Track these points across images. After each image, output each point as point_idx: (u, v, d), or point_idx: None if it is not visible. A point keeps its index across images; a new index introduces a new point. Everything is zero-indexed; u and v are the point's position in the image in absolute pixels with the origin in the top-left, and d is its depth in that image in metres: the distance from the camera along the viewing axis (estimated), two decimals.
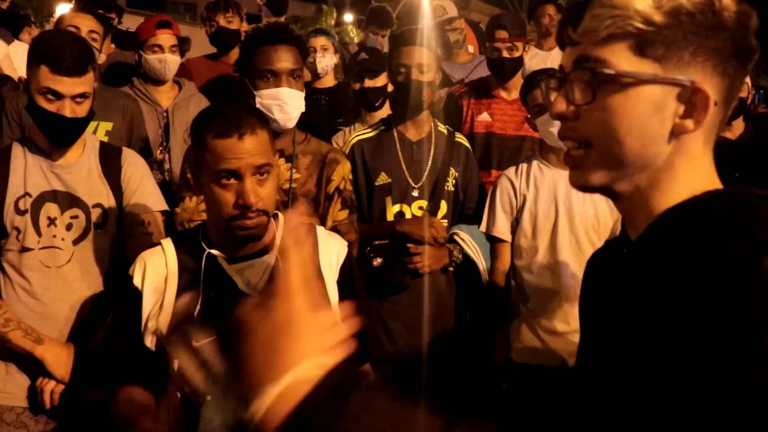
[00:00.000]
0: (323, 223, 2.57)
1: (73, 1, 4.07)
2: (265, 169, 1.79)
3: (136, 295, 1.85)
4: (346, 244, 2.07)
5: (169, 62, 3.54)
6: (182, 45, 3.61)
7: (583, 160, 1.04)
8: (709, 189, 1.01)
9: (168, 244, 1.90)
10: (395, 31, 3.50)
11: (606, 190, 1.06)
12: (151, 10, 14.93)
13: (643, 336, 0.95)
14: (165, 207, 2.60)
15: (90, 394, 2.00)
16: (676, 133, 1.00)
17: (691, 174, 1.02)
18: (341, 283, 1.98)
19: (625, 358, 0.99)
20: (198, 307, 1.78)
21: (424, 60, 2.99)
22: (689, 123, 0.99)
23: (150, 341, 1.83)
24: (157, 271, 1.85)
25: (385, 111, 3.58)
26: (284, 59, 2.51)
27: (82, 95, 2.34)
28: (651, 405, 0.91)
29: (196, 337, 1.74)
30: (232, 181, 1.76)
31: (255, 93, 2.53)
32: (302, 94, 2.56)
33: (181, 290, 1.82)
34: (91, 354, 2.37)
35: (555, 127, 2.89)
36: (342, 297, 1.96)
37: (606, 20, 0.99)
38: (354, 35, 17.14)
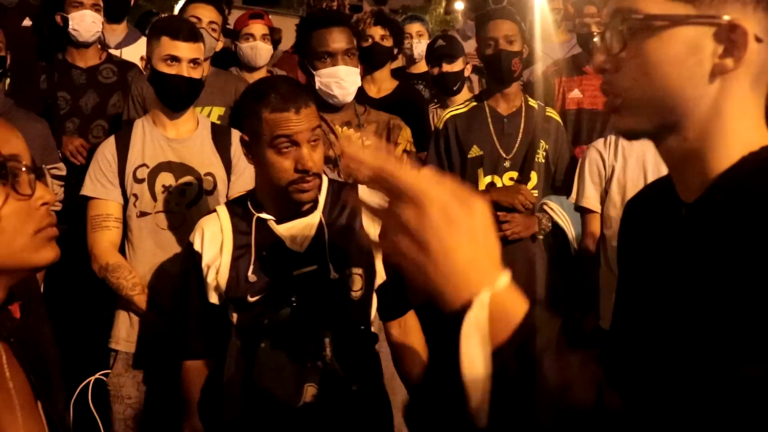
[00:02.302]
0: None
1: None
2: (316, 134, 1.95)
3: (198, 258, 2.05)
4: (387, 200, 2.19)
5: (260, 49, 3.84)
6: (273, 34, 3.90)
7: (623, 105, 1.01)
8: (765, 142, 0.97)
9: (222, 210, 2.09)
10: (481, 12, 3.63)
11: (650, 136, 1.03)
12: (267, 6, 15.44)
13: (708, 303, 0.92)
14: None
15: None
16: (716, 73, 0.95)
17: (741, 121, 0.97)
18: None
19: (686, 323, 0.96)
20: (251, 266, 1.98)
21: (510, 32, 3.14)
22: (729, 62, 0.94)
23: (214, 297, 2.04)
24: (214, 235, 2.04)
25: (463, 95, 3.71)
26: (338, 40, 2.72)
27: (196, 61, 2.67)
28: (711, 366, 0.88)
29: (252, 293, 1.97)
30: (290, 148, 1.91)
31: (314, 73, 2.75)
32: (357, 71, 2.76)
33: (236, 251, 2.01)
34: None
35: None
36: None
37: None
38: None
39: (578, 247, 3.21)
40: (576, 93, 3.88)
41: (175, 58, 2.63)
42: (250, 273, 1.98)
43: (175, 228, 2.68)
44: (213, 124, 2.90)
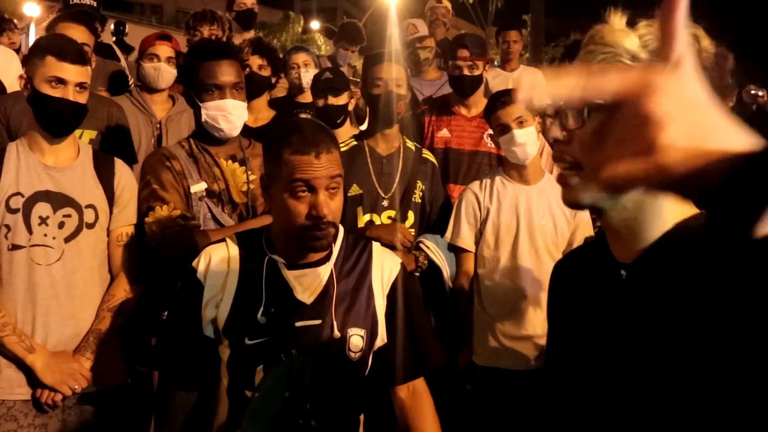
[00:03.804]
0: None
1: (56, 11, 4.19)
2: (336, 182, 1.89)
3: (198, 286, 1.96)
4: (400, 261, 2.15)
5: (163, 71, 3.77)
6: (179, 59, 3.81)
7: (574, 180, 1.12)
8: (692, 212, 1.11)
9: (232, 242, 2.02)
10: (370, 52, 3.70)
11: (594, 209, 1.18)
12: (119, 12, 14.91)
13: (646, 353, 1.05)
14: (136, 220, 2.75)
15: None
16: None
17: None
18: (391, 297, 2.06)
19: (647, 371, 1.07)
20: (261, 308, 1.89)
21: (399, 76, 3.25)
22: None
23: (209, 330, 1.95)
24: (219, 266, 1.97)
25: (346, 129, 3.78)
26: (227, 73, 2.70)
27: (82, 85, 2.56)
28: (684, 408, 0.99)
29: (251, 335, 1.89)
30: (306, 193, 1.86)
31: (201, 105, 2.71)
32: (245, 105, 2.76)
33: (240, 287, 1.94)
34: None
35: (517, 146, 3.11)
36: (391, 311, 2.06)
37: (598, 56, 1.12)
38: (321, 43, 17.17)
39: (453, 284, 3.32)
40: (444, 132, 4.02)
41: (60, 81, 2.52)
42: (259, 315, 1.89)
43: (50, 263, 2.54)
44: (95, 152, 2.77)
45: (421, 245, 3.33)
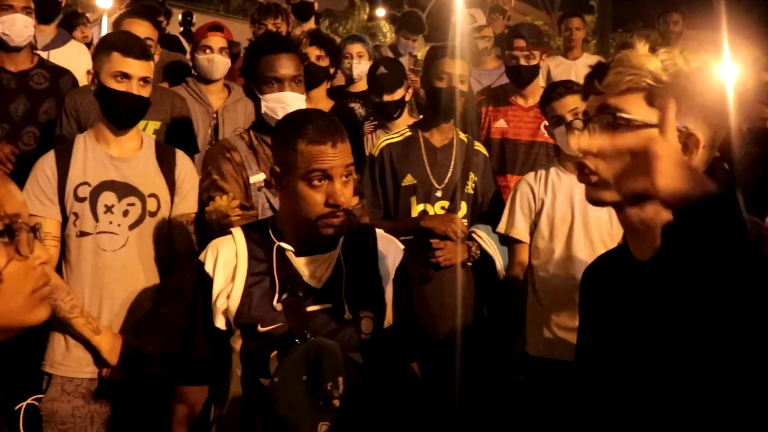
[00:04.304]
0: None
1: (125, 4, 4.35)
2: (349, 170, 1.95)
3: (207, 280, 2.01)
4: (402, 248, 2.22)
5: (216, 62, 3.83)
6: (232, 48, 3.90)
7: (599, 182, 1.30)
8: None
9: (238, 233, 2.06)
10: (432, 41, 3.72)
11: (615, 205, 1.30)
12: (187, 2, 15.20)
13: (662, 341, 1.19)
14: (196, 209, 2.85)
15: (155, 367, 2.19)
16: None
17: None
18: (396, 283, 2.13)
19: (645, 355, 1.23)
20: (275, 295, 1.96)
21: (464, 72, 3.30)
22: (685, 158, 1.21)
23: (221, 322, 2.00)
24: (228, 258, 2.01)
25: (404, 119, 3.82)
26: (287, 66, 2.75)
27: (146, 79, 2.67)
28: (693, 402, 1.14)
29: (263, 323, 1.95)
30: (323, 181, 1.91)
31: (261, 97, 2.78)
32: (303, 97, 2.80)
33: (249, 277, 1.99)
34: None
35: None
36: (397, 296, 2.13)
37: (626, 76, 1.27)
38: (387, 30, 17.16)
39: (506, 275, 3.33)
40: (501, 123, 4.03)
41: (125, 75, 2.63)
42: (274, 302, 1.95)
43: (116, 250, 2.66)
44: (157, 144, 2.89)
45: (474, 235, 3.36)
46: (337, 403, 1.87)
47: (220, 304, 1.99)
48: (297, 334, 1.93)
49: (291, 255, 2.02)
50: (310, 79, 3.82)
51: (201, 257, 2.06)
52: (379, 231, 2.19)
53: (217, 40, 3.87)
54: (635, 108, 1.25)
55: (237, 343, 2.01)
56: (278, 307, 1.97)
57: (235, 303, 1.98)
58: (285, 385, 1.86)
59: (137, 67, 2.64)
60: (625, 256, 1.36)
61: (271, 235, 2.04)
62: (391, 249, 2.17)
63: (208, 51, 3.84)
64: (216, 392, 2.11)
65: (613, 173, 1.23)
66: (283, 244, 2.01)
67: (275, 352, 1.95)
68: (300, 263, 2.02)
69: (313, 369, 1.88)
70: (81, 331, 2.60)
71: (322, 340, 1.92)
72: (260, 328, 1.96)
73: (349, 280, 2.03)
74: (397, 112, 3.82)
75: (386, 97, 3.77)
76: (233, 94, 3.92)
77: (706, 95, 1.26)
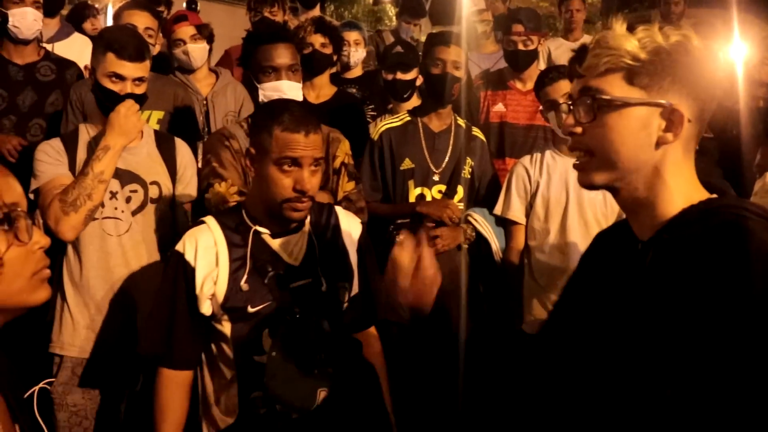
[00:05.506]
0: (335, 195, 2.90)
1: None
2: (319, 162, 2.09)
3: (189, 269, 2.08)
4: (360, 221, 2.39)
5: (191, 51, 3.83)
6: (202, 31, 3.88)
7: (588, 165, 1.32)
8: (702, 197, 1.29)
9: (212, 222, 2.15)
10: (434, 24, 3.75)
11: (608, 188, 1.34)
12: None
13: (661, 330, 1.20)
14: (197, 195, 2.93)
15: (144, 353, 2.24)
16: (659, 143, 1.27)
17: (677, 179, 1.29)
18: (360, 253, 2.31)
19: (632, 333, 1.25)
20: (245, 277, 2.06)
21: (459, 58, 3.35)
22: (669, 136, 1.26)
23: (206, 308, 2.09)
24: (207, 246, 2.10)
25: (412, 102, 3.87)
26: (283, 56, 2.83)
27: (141, 79, 2.73)
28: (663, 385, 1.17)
29: (253, 303, 2.06)
30: (293, 168, 2.04)
31: (258, 86, 2.86)
32: (299, 86, 2.87)
33: (232, 263, 2.08)
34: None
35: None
36: (361, 265, 2.30)
37: (604, 58, 1.28)
38: (392, 14, 17.05)
39: (503, 257, 3.41)
40: (500, 107, 4.08)
41: (119, 77, 2.68)
42: (243, 282, 2.06)
43: (120, 234, 2.76)
44: (156, 133, 2.98)
45: (469, 218, 3.44)
46: (331, 370, 2.01)
47: (207, 290, 2.08)
48: (285, 311, 2.04)
49: (267, 237, 2.14)
50: (314, 66, 3.89)
51: (179, 247, 2.13)
52: (338, 208, 2.34)
53: (185, 30, 3.86)
54: (616, 88, 1.28)
55: (226, 327, 2.10)
56: (265, 287, 2.07)
57: (222, 288, 2.07)
58: (281, 359, 1.97)
59: (131, 69, 2.69)
60: (628, 232, 1.39)
61: (247, 220, 2.15)
62: (352, 224, 2.33)
63: (180, 44, 3.85)
64: (202, 376, 2.20)
65: (601, 154, 1.29)
66: (260, 228, 2.13)
67: (267, 330, 2.05)
68: (276, 244, 2.14)
69: (305, 341, 2.00)
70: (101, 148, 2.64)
71: (310, 314, 2.04)
72: (250, 309, 2.07)
73: (322, 255, 2.17)
74: (407, 93, 3.84)
75: (400, 75, 3.80)
76: (221, 79, 3.93)
77: (690, 69, 1.27)
